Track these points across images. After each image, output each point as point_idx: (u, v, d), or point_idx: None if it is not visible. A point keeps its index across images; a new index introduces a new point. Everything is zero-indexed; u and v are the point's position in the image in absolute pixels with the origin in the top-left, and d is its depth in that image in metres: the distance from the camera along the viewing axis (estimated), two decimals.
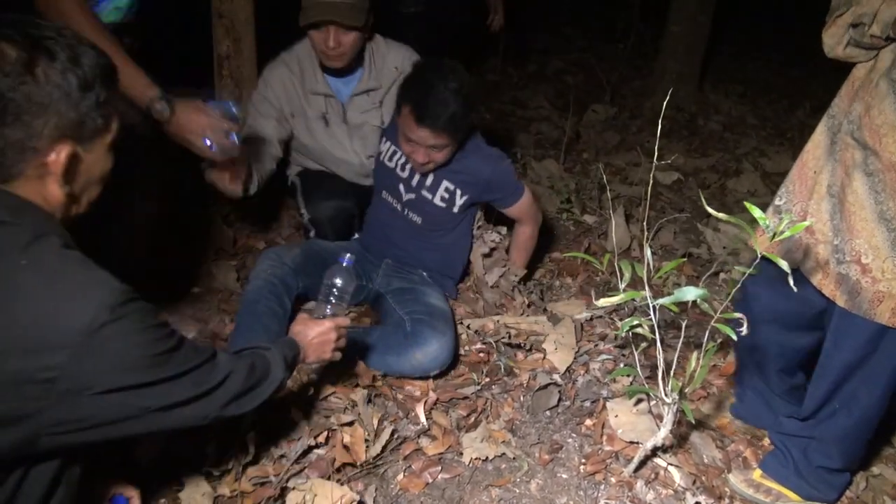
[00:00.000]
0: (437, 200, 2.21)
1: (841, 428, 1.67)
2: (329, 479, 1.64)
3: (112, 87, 1.08)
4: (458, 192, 2.19)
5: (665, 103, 1.61)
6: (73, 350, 0.95)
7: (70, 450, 1.09)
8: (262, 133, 2.22)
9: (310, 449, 1.72)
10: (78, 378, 0.97)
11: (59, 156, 1.03)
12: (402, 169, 2.23)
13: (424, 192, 2.21)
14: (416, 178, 2.21)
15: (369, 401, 1.89)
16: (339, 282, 1.71)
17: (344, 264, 1.72)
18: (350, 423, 1.80)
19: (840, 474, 1.78)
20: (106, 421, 1.04)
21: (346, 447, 1.73)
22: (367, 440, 1.75)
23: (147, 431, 1.13)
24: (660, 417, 1.81)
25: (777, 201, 1.68)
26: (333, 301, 1.71)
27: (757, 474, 1.83)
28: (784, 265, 1.30)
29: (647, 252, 1.53)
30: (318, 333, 1.58)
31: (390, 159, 2.26)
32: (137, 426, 1.09)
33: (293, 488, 1.61)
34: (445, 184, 2.19)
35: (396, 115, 2.08)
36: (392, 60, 2.29)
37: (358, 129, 2.32)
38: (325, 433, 1.75)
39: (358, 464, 1.70)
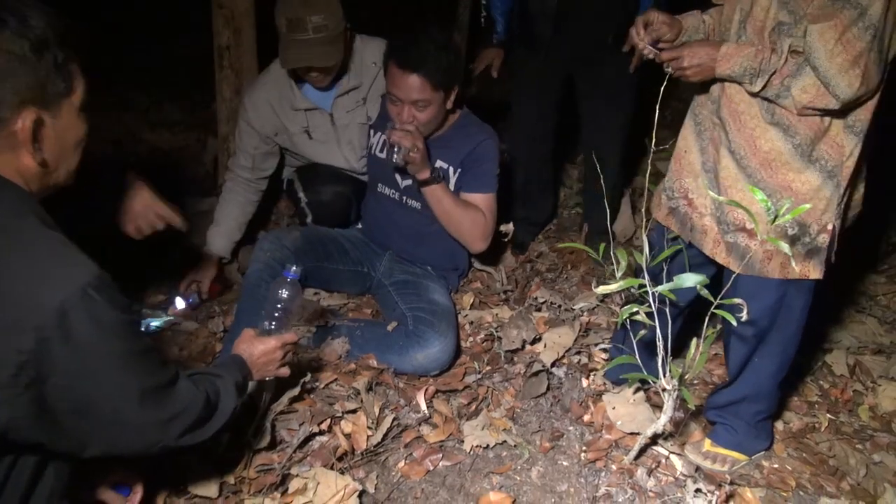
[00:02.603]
0: None
1: (764, 378, 1.80)
2: (332, 467, 1.65)
3: (70, 49, 1.04)
4: (451, 168, 2.16)
5: (662, 91, 1.60)
6: (43, 333, 0.94)
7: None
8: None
9: (312, 436, 1.73)
10: (44, 363, 0.95)
11: (24, 122, 1.00)
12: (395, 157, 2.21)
13: None
14: None
15: (370, 389, 1.90)
16: (283, 295, 1.63)
17: (289, 278, 1.64)
18: (353, 411, 1.81)
19: (771, 420, 1.96)
20: (56, 423, 1.00)
21: (347, 435, 1.74)
22: (369, 428, 1.76)
23: (93, 446, 1.08)
24: (659, 406, 1.82)
25: (665, 181, 1.81)
26: (278, 316, 1.63)
27: (707, 444, 1.91)
28: (786, 248, 1.31)
29: (645, 240, 1.53)
30: (262, 352, 1.54)
31: (381, 150, 2.25)
32: (86, 437, 1.05)
33: (295, 475, 1.62)
34: (439, 162, 2.16)
35: (385, 77, 2.06)
36: (370, 56, 2.29)
37: (345, 129, 2.33)
38: (328, 420, 1.76)
39: (359, 451, 1.71)
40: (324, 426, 1.74)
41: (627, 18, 2.48)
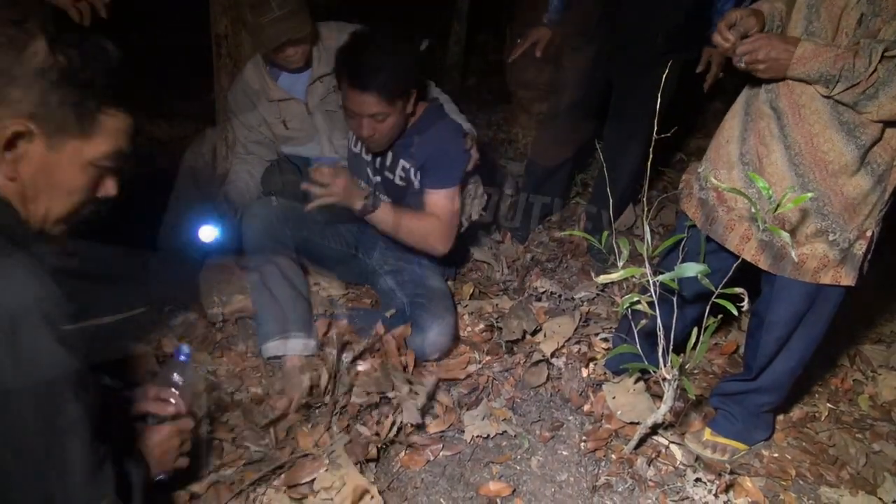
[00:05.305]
0: (396, 180, 2.15)
1: (781, 373, 1.79)
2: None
3: (105, 99, 1.02)
4: (412, 170, 2.11)
5: (664, 80, 1.59)
6: None
7: None
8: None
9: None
10: None
11: (7, 129, 0.95)
12: (367, 152, 2.18)
13: (387, 173, 2.16)
14: (379, 158, 2.16)
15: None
16: (176, 380, 1.44)
17: (181, 360, 1.45)
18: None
19: (773, 412, 1.95)
20: None
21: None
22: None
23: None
24: (659, 396, 1.81)
25: (699, 168, 1.73)
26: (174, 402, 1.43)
27: (707, 433, 1.90)
28: (786, 237, 1.30)
29: (646, 229, 1.52)
30: (157, 443, 1.34)
31: (356, 145, 2.23)
32: None
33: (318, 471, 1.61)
34: (402, 163, 2.12)
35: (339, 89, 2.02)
36: (333, 43, 2.28)
37: (321, 118, 2.33)
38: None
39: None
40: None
41: (686, 19, 2.36)
